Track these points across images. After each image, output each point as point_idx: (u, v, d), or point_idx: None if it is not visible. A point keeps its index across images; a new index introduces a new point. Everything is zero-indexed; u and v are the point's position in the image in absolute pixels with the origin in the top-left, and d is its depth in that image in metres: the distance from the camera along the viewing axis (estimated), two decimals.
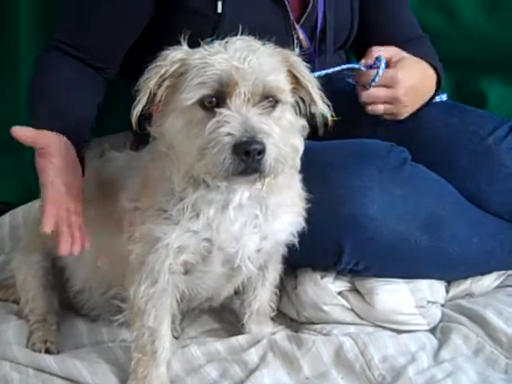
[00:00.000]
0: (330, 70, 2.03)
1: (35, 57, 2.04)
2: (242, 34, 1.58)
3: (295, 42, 2.09)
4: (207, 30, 1.89)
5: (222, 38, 1.56)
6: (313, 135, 1.67)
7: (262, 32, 1.59)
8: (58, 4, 2.10)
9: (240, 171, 1.44)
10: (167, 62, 1.52)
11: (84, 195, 1.80)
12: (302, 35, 2.14)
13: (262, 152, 1.42)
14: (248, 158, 1.41)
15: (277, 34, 1.64)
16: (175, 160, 1.58)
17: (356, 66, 2.06)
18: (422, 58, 2.13)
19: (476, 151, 2.11)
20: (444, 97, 2.23)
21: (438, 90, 2.18)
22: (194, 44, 1.57)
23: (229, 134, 1.42)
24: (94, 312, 2.05)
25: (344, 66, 2.08)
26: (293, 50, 1.75)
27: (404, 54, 2.08)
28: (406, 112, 2.10)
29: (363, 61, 2.05)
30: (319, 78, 1.65)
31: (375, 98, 2.05)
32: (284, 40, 1.62)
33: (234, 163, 1.42)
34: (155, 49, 1.56)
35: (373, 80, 2.01)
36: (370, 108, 2.06)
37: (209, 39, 1.56)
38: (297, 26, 2.11)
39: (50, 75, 1.97)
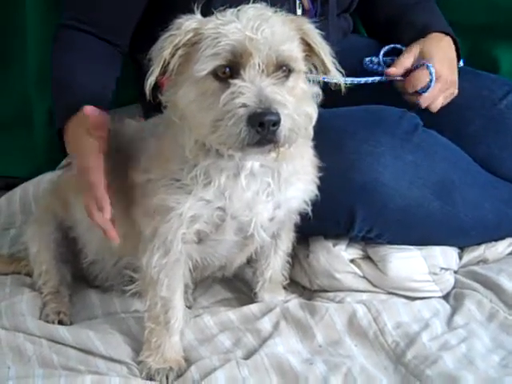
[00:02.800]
0: (363, 80, 2.03)
1: (42, 33, 2.01)
2: None
3: (297, 3, 2.05)
4: None
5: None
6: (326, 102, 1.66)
7: None
8: None
9: (255, 142, 1.42)
10: (181, 31, 1.49)
11: None
12: None
13: (277, 123, 1.41)
14: (263, 129, 1.40)
15: None
16: (187, 130, 1.57)
17: (395, 78, 2.06)
18: (430, 29, 2.12)
19: (488, 116, 2.10)
20: (461, 62, 2.20)
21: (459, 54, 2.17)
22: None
23: (244, 105, 1.41)
24: (107, 283, 2.06)
25: (378, 79, 2.07)
26: (294, 12, 1.70)
27: (420, 42, 2.08)
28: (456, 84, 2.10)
29: (393, 69, 2.05)
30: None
31: (434, 97, 2.05)
32: (285, 1, 1.58)
33: (249, 134, 1.41)
34: (160, 20, 1.53)
35: (428, 88, 2.01)
36: (433, 107, 2.06)
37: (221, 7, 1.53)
38: None
39: (67, 57, 1.96)
